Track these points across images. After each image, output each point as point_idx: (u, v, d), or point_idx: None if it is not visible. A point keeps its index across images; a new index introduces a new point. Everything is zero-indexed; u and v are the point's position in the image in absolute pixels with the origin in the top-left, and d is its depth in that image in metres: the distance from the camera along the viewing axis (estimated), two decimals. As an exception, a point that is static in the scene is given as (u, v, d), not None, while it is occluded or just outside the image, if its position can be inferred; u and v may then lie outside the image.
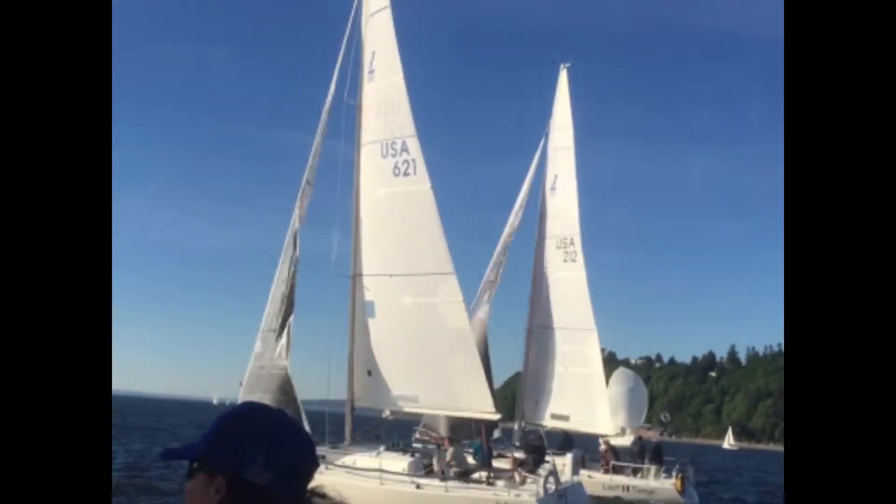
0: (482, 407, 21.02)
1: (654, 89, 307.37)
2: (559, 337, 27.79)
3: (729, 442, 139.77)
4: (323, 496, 1.82)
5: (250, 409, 1.90)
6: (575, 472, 21.84)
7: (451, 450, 20.62)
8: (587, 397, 25.89)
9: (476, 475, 20.39)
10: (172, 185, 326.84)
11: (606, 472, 21.82)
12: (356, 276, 23.21)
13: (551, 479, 19.05)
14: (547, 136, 29.15)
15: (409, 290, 22.05)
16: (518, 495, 18.63)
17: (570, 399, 26.12)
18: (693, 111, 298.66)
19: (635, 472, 24.53)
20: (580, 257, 27.48)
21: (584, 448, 25.18)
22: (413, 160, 21.92)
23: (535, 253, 28.73)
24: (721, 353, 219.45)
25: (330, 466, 20.90)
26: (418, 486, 19.48)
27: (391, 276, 22.47)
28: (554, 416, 27.78)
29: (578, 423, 24.79)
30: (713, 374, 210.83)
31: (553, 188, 28.49)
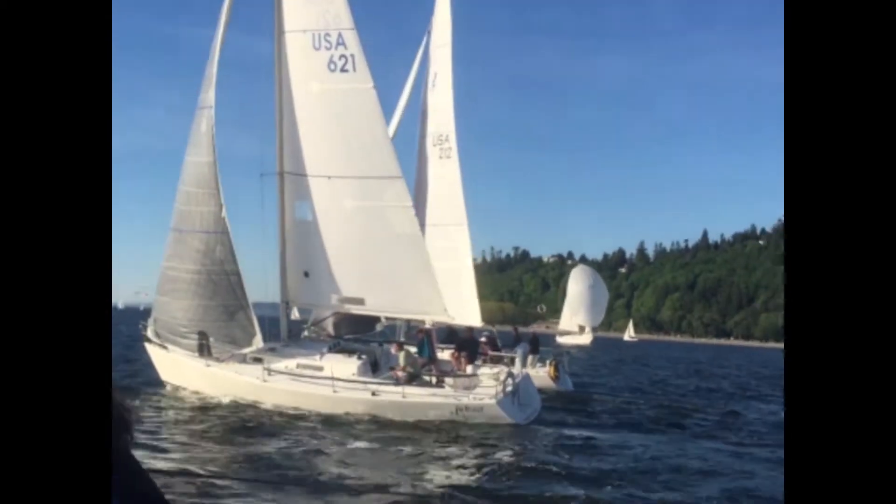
0: (433, 310, 20.65)
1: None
2: (435, 233, 27.86)
3: (629, 334, 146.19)
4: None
5: None
6: (523, 364, 21.85)
7: (402, 354, 20.20)
8: (458, 291, 26.20)
9: (426, 377, 20.16)
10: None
11: (486, 362, 22.34)
12: (283, 174, 22.14)
13: (510, 380, 18.92)
14: (429, 34, 28.64)
15: (350, 192, 21.17)
16: (480, 399, 18.45)
17: (444, 293, 26.47)
18: (603, 9, 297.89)
19: (513, 361, 25.05)
20: (454, 153, 27.60)
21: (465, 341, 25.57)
22: (352, 55, 20.72)
23: (418, 152, 28.67)
24: (630, 250, 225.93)
25: (273, 373, 20.33)
26: (374, 394, 19.08)
27: (329, 177, 21.50)
28: None
29: (453, 316, 25.18)
30: (623, 270, 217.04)
31: (433, 85, 28.21)
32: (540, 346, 29.09)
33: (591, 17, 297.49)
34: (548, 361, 27.70)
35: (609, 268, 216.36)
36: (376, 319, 24.39)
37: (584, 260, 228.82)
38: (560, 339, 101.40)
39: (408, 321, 24.89)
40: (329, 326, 24.24)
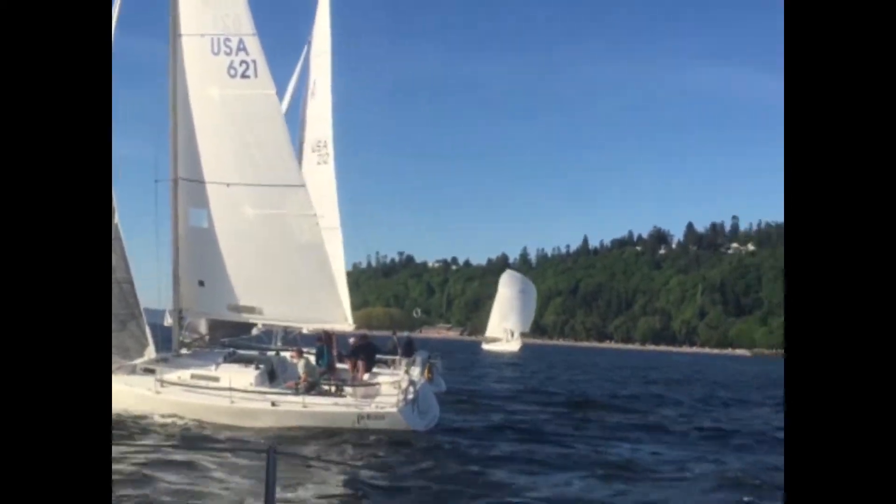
0: (335, 318, 20.58)
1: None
2: None
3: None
4: None
5: None
6: (422, 372, 22.00)
7: (301, 362, 20.06)
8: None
9: (325, 386, 20.07)
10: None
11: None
12: (177, 181, 21.68)
13: (411, 388, 19.06)
14: (309, 43, 28.90)
15: (249, 200, 20.87)
16: (382, 407, 18.50)
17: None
18: (485, 16, 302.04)
19: (388, 364, 25.35)
20: (331, 159, 27.89)
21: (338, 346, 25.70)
22: (253, 61, 20.45)
23: (299, 159, 28.92)
24: (514, 256, 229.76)
25: (166, 384, 19.86)
26: (274, 404, 18.88)
27: (228, 185, 21.16)
28: None
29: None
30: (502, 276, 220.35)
31: (312, 93, 28.50)
32: (415, 350, 29.37)
33: (476, 25, 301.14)
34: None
35: (493, 272, 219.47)
36: (253, 324, 24.06)
37: (468, 265, 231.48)
38: (486, 347, 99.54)
39: (284, 327, 24.69)
40: (202, 329, 23.82)
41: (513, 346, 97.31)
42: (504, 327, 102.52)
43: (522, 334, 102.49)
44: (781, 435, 21.50)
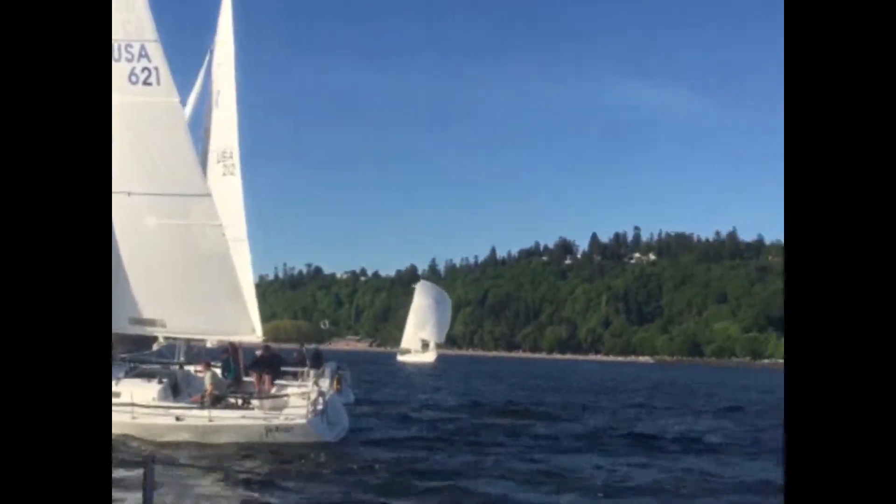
0: (242, 330, 20.23)
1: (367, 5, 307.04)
2: None
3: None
4: None
5: None
6: (331, 383, 21.83)
7: (208, 374, 19.66)
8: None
9: (231, 399, 19.74)
10: None
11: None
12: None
13: (320, 400, 18.90)
14: (212, 52, 28.61)
15: (152, 210, 20.33)
16: (290, 419, 18.28)
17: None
18: (394, 26, 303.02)
19: (296, 376, 25.23)
20: (237, 170, 27.59)
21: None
22: (156, 68, 19.98)
23: (204, 170, 28.55)
24: (423, 266, 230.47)
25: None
26: (178, 419, 18.43)
27: (129, 194, 20.57)
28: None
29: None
30: (415, 286, 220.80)
31: (217, 104, 28.24)
32: (323, 361, 29.19)
33: (386, 35, 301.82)
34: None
35: (402, 283, 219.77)
36: (154, 338, 23.49)
37: (377, 276, 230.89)
38: (401, 358, 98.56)
39: (187, 340, 24.18)
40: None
41: (428, 356, 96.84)
42: (420, 337, 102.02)
43: (437, 345, 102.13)
44: (709, 440, 22.32)
